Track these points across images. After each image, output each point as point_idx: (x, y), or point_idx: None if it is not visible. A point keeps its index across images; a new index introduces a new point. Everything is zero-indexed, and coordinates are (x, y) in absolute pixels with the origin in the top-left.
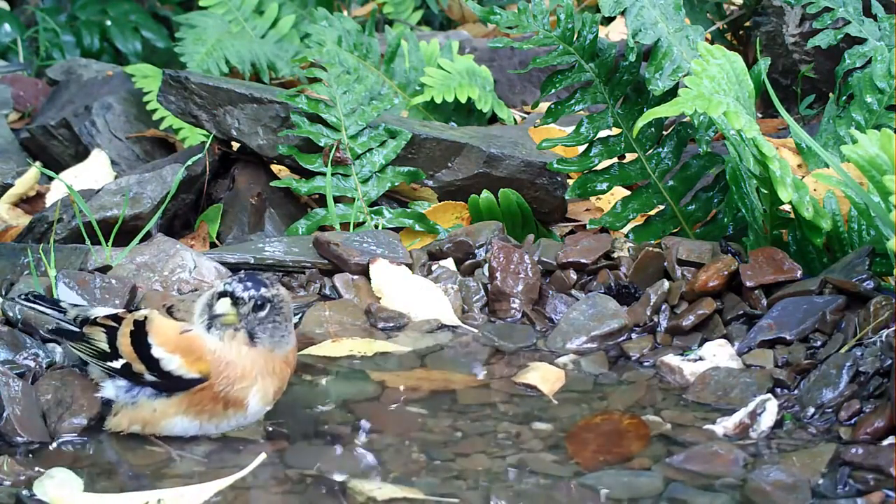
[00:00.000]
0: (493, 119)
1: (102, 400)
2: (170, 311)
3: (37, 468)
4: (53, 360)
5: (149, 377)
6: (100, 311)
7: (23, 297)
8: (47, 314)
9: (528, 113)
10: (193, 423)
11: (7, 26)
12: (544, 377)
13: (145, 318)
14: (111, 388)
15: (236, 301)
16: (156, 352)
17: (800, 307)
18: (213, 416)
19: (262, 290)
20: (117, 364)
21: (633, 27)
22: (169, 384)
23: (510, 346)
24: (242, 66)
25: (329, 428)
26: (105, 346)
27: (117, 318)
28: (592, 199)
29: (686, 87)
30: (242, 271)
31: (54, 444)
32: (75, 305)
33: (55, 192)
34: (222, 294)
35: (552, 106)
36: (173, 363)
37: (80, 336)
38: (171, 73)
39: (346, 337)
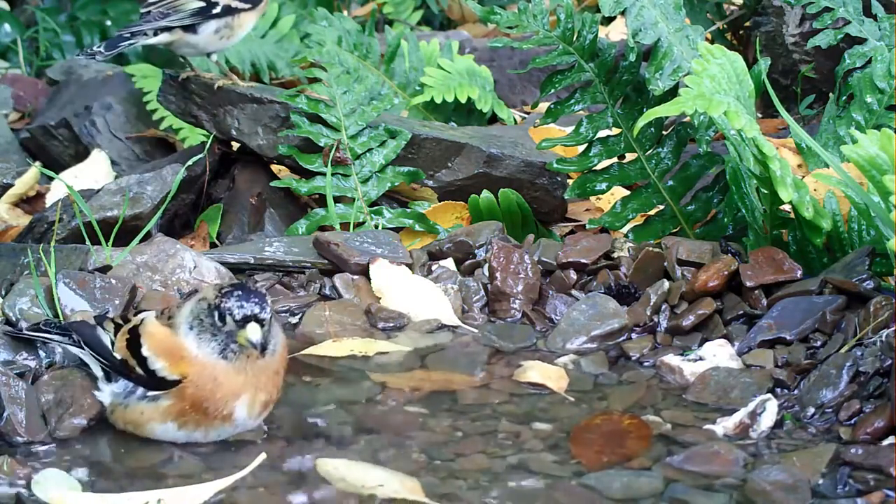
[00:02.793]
0: (493, 119)
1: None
2: (167, 320)
3: (37, 468)
4: (53, 361)
5: (139, 371)
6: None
7: (31, 327)
8: (55, 340)
9: (528, 113)
10: (179, 430)
11: (7, 26)
12: (546, 375)
13: (142, 321)
14: (107, 393)
15: (261, 323)
16: (144, 351)
17: (800, 307)
18: (199, 425)
19: (266, 304)
20: (117, 356)
21: (632, 27)
22: (152, 382)
23: (510, 346)
24: (242, 66)
25: (329, 428)
26: (112, 337)
27: (126, 319)
28: (592, 199)
29: (686, 86)
30: (234, 286)
31: (54, 445)
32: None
33: (55, 192)
34: (246, 319)
35: (552, 106)
36: (156, 363)
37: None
38: (171, 73)
39: (346, 337)
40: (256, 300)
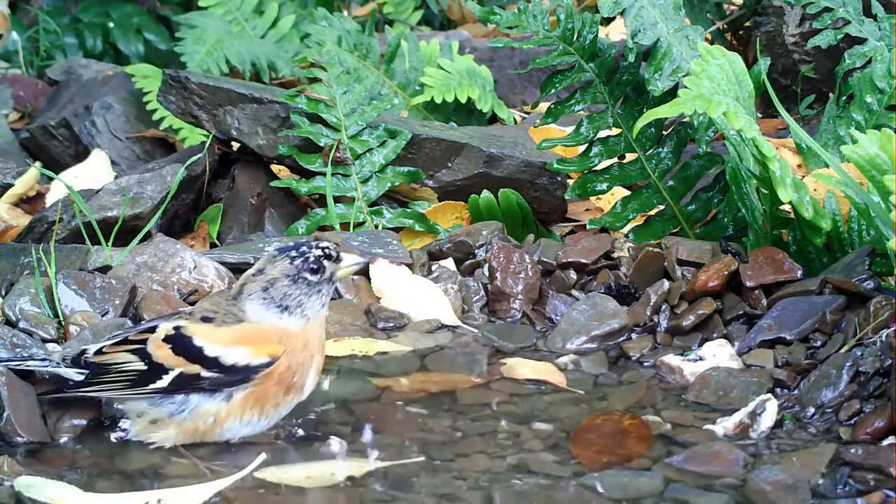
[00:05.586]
0: (493, 119)
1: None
2: (207, 321)
3: (36, 469)
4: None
5: (207, 374)
6: (92, 346)
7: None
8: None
9: (528, 113)
10: (256, 418)
11: (14, 33)
12: (537, 370)
13: (178, 328)
14: (150, 417)
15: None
16: (211, 351)
17: (800, 307)
18: (276, 405)
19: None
20: (165, 379)
21: (632, 28)
22: (233, 378)
23: (510, 346)
24: (243, 66)
25: (329, 428)
26: (141, 365)
27: (129, 341)
28: (592, 199)
29: (686, 87)
30: (294, 247)
31: (54, 445)
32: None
33: (55, 192)
34: (339, 252)
35: (552, 106)
36: (236, 354)
37: (96, 371)
38: (171, 74)
39: (346, 337)
40: (323, 239)
